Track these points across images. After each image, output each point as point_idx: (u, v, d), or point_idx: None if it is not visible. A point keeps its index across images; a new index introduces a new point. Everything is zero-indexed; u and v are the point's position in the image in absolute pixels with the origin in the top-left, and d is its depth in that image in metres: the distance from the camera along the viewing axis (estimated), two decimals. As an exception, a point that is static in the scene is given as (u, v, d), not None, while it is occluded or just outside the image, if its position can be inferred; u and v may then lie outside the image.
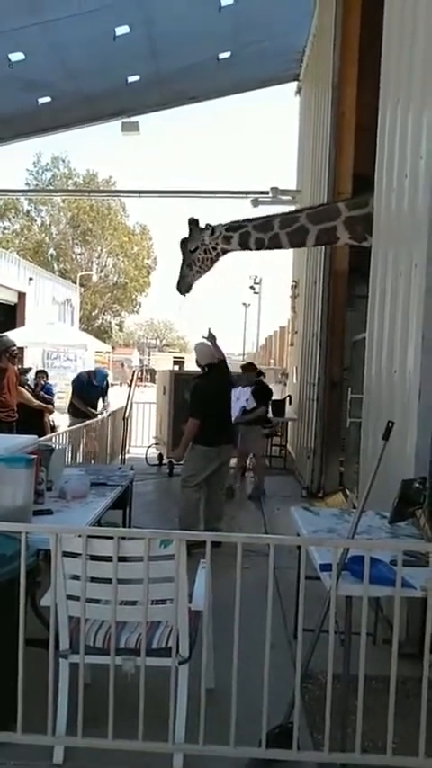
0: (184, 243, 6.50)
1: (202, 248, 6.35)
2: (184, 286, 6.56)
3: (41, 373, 9.82)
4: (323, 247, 7.78)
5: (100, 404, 9.39)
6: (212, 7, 7.63)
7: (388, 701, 2.33)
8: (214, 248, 6.35)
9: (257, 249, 6.30)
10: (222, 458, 5.64)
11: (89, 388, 9.31)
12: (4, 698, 2.43)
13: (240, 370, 8.35)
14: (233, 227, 6.29)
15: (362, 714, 2.33)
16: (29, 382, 8.85)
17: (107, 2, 7.24)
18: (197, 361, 5.89)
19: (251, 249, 6.31)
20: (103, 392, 9.50)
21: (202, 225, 6.41)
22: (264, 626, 2.38)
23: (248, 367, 8.63)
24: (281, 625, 3.49)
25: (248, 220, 6.31)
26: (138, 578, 2.42)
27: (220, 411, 5.73)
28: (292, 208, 12.10)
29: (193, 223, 6.41)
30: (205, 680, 2.41)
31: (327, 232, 6.00)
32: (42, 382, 9.42)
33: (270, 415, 8.74)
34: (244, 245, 6.27)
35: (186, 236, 6.44)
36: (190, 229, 6.41)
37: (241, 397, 7.68)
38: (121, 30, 7.76)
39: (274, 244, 6.22)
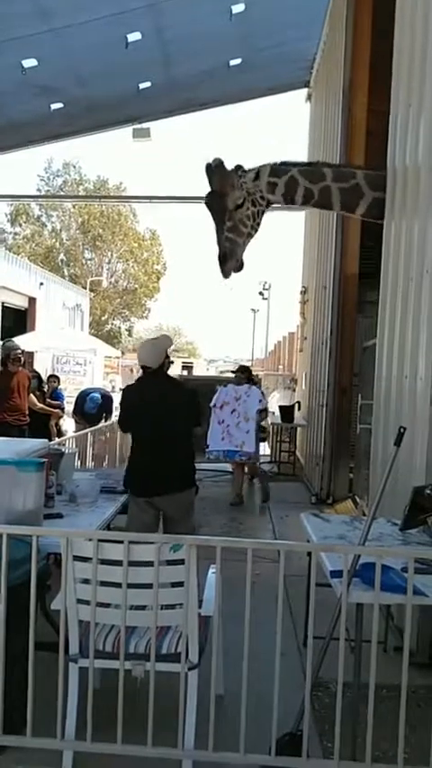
0: (217, 199, 4.66)
1: (249, 200, 4.67)
2: (234, 262, 4.70)
3: (53, 378, 9.84)
4: (333, 252, 7.78)
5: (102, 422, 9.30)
6: (224, 14, 7.66)
7: (399, 710, 2.31)
8: (262, 197, 4.74)
9: (303, 204, 4.94)
10: (163, 509, 3.81)
11: (83, 412, 9.28)
12: (14, 702, 2.43)
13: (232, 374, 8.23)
14: (276, 170, 4.80)
15: (372, 723, 2.31)
16: (43, 386, 8.87)
17: (119, 9, 7.29)
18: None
19: (295, 203, 4.91)
20: (99, 416, 9.32)
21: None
22: (274, 632, 2.36)
23: (242, 369, 8.35)
24: (291, 632, 3.48)
25: (291, 164, 4.90)
26: (147, 583, 2.41)
27: (152, 442, 3.76)
28: (302, 213, 12.18)
29: (221, 167, 4.65)
30: (215, 686, 2.40)
31: (380, 203, 4.80)
32: (54, 386, 9.45)
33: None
34: (288, 197, 4.82)
35: (213, 188, 4.68)
36: (221, 176, 4.64)
37: (248, 398, 7.53)
38: (133, 36, 7.81)
39: (324, 200, 4.86)
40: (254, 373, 9.03)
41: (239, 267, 4.77)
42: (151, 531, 3.75)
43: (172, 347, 3.98)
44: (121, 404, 4.11)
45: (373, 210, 4.91)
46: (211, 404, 7.57)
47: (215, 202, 4.68)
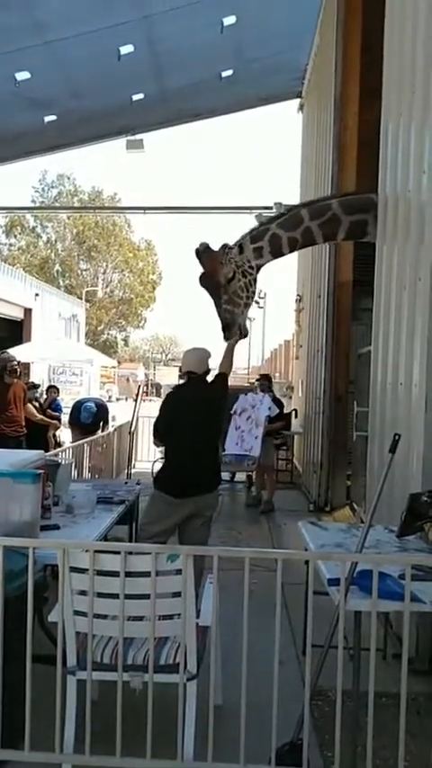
0: (209, 278, 4.99)
1: (239, 272, 5.02)
2: (237, 329, 5.01)
3: (53, 389, 9.80)
4: (328, 260, 7.82)
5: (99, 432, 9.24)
6: (215, 26, 7.73)
7: (399, 718, 2.30)
8: (251, 267, 5.10)
9: (290, 251, 5.34)
10: (193, 510, 3.95)
11: (79, 422, 9.22)
12: (11, 715, 2.42)
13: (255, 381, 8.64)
14: (257, 235, 5.15)
15: (372, 731, 2.30)
16: (41, 398, 8.84)
17: (112, 22, 7.34)
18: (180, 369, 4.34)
19: (284, 254, 5.29)
20: (94, 425, 9.19)
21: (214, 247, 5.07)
22: (272, 642, 2.36)
23: (263, 378, 9.01)
24: (289, 641, 3.47)
25: (269, 221, 5.31)
26: (145, 593, 2.41)
27: (189, 444, 3.97)
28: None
29: (207, 249, 5.00)
30: (213, 696, 2.39)
31: (358, 225, 5.13)
32: (54, 397, 9.44)
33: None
34: (276, 253, 5.20)
35: (203, 270, 5.06)
36: (209, 258, 4.98)
37: (261, 404, 7.69)
38: (126, 49, 7.86)
39: (307, 241, 5.26)
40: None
41: (244, 334, 5.12)
42: (172, 533, 4.01)
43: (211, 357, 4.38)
44: (162, 406, 4.27)
45: (352, 233, 5.28)
46: (232, 410, 7.80)
47: (208, 281, 5.04)
